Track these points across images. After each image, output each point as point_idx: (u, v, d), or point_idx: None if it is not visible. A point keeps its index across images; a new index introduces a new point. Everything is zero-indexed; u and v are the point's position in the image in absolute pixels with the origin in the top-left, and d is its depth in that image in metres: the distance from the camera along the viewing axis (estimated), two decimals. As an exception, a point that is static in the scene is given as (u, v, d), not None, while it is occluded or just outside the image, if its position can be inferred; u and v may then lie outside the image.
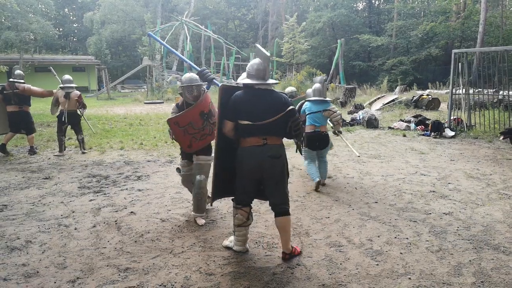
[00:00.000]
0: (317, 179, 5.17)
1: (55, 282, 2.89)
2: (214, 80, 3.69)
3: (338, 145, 8.02)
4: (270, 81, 3.17)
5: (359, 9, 40.35)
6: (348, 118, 12.55)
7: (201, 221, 4.02)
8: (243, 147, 3.13)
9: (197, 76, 4.03)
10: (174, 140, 4.11)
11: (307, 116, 5.29)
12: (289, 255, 3.25)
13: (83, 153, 7.69)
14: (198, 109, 3.87)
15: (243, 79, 3.25)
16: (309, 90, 5.55)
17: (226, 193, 3.41)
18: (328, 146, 5.41)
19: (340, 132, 5.55)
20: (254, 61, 3.19)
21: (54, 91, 7.73)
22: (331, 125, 5.60)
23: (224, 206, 4.53)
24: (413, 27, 29.57)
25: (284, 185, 3.23)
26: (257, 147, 3.08)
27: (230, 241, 3.48)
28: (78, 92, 7.65)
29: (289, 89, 7.18)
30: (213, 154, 3.74)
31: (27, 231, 3.84)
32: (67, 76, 7.75)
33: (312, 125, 5.26)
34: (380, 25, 35.06)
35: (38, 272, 3.05)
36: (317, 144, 5.31)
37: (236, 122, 3.11)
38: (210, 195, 3.72)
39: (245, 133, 3.11)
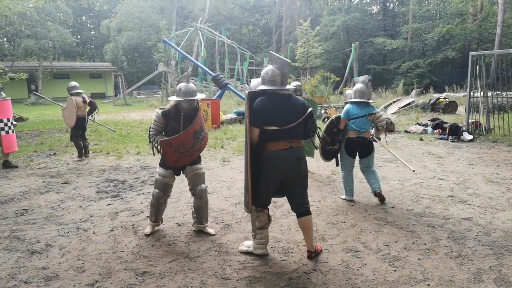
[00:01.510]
0: (349, 198, 4.92)
1: (74, 286, 2.94)
2: (228, 85, 3.73)
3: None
4: (288, 86, 3.26)
5: (374, 12, 40.06)
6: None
7: (212, 230, 3.95)
8: (270, 151, 3.16)
9: (194, 87, 3.86)
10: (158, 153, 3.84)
11: (349, 121, 4.77)
12: (315, 253, 3.33)
13: (86, 156, 7.89)
14: (192, 130, 3.70)
15: (259, 86, 3.28)
16: (349, 91, 5.01)
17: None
18: (372, 155, 4.85)
19: (379, 139, 4.92)
20: (269, 68, 3.25)
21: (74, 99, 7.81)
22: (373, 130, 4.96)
23: (239, 210, 4.54)
24: (428, 30, 29.19)
25: (307, 185, 3.38)
26: (284, 151, 3.16)
27: (246, 246, 3.49)
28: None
29: (294, 83, 6.25)
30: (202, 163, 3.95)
31: (47, 235, 3.91)
32: (74, 82, 7.98)
33: (356, 130, 4.72)
34: (395, 28, 34.72)
35: (57, 275, 3.10)
36: (358, 152, 4.84)
37: (261, 128, 3.13)
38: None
39: (272, 138, 3.15)
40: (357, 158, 4.93)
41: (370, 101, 4.81)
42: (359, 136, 4.72)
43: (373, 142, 4.87)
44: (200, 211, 3.88)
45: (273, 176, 3.20)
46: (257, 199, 3.27)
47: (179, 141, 3.65)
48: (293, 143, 3.20)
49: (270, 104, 3.15)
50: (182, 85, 3.78)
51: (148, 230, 3.94)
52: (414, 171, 4.75)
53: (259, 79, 3.34)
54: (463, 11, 28.14)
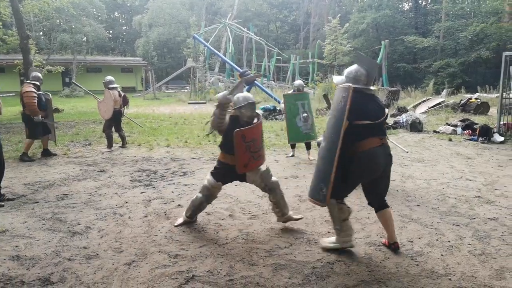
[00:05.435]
0: None
1: (113, 264, 3.18)
2: (255, 81, 3.88)
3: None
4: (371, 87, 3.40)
5: (405, 9, 39.22)
6: (391, 121, 12.34)
7: (297, 215, 4.06)
8: (364, 151, 3.18)
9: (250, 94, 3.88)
10: (214, 133, 3.84)
11: None
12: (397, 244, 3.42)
13: (124, 147, 8.31)
14: (261, 126, 3.78)
15: (345, 83, 3.25)
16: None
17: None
18: None
19: None
20: (355, 67, 3.33)
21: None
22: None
23: (265, 202, 4.68)
24: (462, 28, 28.36)
25: None
26: (379, 148, 3.22)
27: (331, 242, 3.47)
28: None
29: (297, 82, 7.46)
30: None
31: (86, 218, 4.20)
32: (110, 77, 8.36)
33: None
34: (426, 26, 33.90)
35: (97, 254, 3.35)
36: None
37: (352, 123, 3.09)
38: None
39: (363, 135, 3.18)
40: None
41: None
42: None
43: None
44: (282, 202, 3.91)
45: (369, 173, 3.25)
46: (340, 193, 3.31)
47: (252, 135, 3.63)
48: (383, 140, 3.27)
49: (363, 100, 3.20)
50: (239, 94, 3.75)
51: (179, 221, 4.01)
52: (407, 152, 6.15)
53: (342, 77, 3.39)
54: (499, 10, 27.18)
